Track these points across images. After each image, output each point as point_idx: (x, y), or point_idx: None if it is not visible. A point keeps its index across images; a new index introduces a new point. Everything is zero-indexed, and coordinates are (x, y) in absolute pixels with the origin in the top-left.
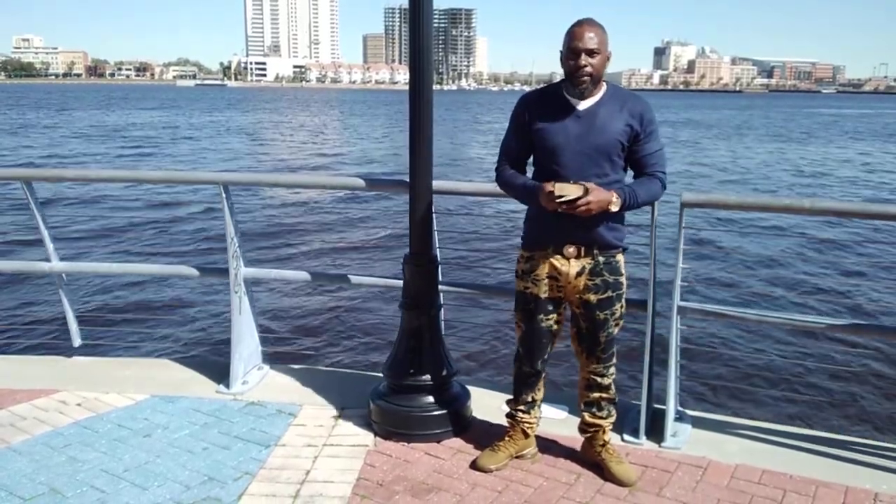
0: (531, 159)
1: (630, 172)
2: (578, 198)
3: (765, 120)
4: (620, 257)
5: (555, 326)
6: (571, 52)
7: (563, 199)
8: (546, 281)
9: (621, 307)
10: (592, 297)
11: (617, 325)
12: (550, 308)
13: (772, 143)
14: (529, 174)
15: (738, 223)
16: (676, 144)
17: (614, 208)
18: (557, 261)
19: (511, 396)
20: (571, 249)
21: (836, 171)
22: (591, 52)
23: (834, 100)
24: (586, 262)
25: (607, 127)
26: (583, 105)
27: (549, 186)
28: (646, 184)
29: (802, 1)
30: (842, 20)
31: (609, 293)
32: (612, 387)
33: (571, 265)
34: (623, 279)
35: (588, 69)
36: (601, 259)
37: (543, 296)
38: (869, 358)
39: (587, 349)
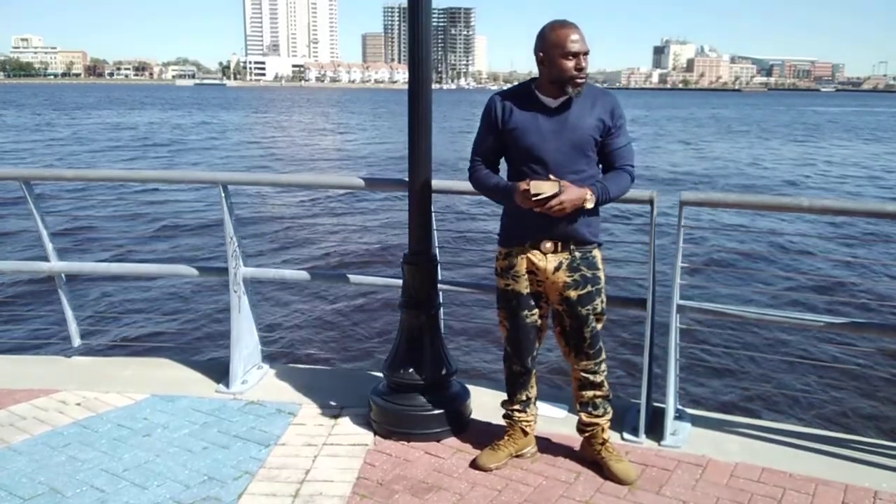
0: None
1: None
2: (555, 194)
3: (765, 118)
4: (597, 252)
5: (539, 321)
6: (570, 54)
7: (539, 197)
8: (525, 276)
9: (601, 302)
10: (573, 294)
11: (598, 320)
12: (533, 303)
13: (770, 142)
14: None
15: (736, 222)
16: (672, 141)
17: (589, 205)
18: (535, 256)
19: (506, 397)
20: (548, 245)
21: (835, 168)
22: (586, 54)
23: (833, 98)
24: (563, 258)
25: (580, 123)
26: (555, 103)
27: (523, 185)
28: (616, 178)
29: None
30: (841, 19)
31: (589, 288)
32: (606, 384)
33: (549, 260)
34: (601, 274)
35: (586, 70)
36: (578, 254)
37: (525, 291)
38: (869, 356)
39: (575, 347)
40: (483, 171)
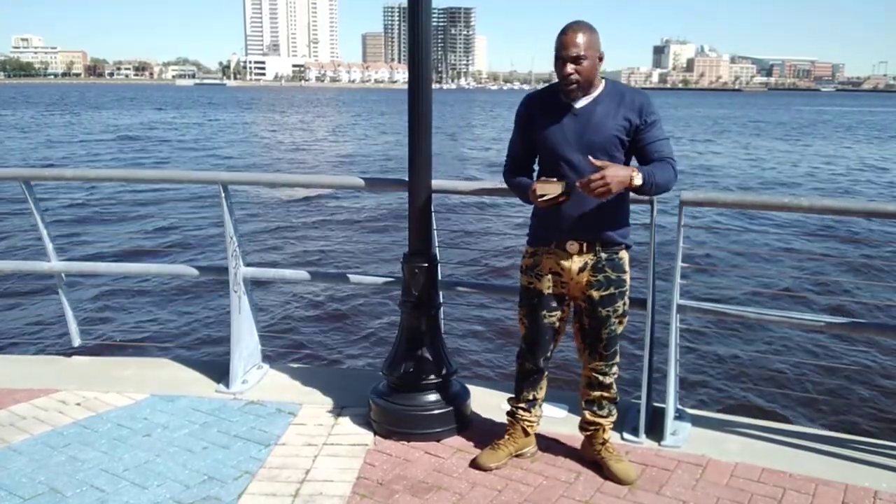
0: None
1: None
2: (559, 195)
3: (767, 117)
4: (624, 254)
5: (557, 323)
6: (558, 59)
7: (545, 198)
8: (549, 276)
9: (624, 304)
10: (595, 294)
11: (620, 322)
12: (554, 304)
13: (772, 141)
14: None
15: (737, 222)
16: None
17: (637, 182)
18: (560, 256)
19: (512, 394)
20: (574, 246)
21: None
22: (576, 60)
23: (833, 98)
24: (588, 259)
25: (603, 124)
26: (580, 104)
27: (533, 185)
28: (660, 167)
29: None
30: (841, 18)
31: (612, 290)
32: (614, 386)
33: (574, 261)
34: (626, 277)
35: (574, 77)
36: (603, 255)
37: (547, 291)
38: (868, 356)
39: (590, 346)
40: (510, 172)
